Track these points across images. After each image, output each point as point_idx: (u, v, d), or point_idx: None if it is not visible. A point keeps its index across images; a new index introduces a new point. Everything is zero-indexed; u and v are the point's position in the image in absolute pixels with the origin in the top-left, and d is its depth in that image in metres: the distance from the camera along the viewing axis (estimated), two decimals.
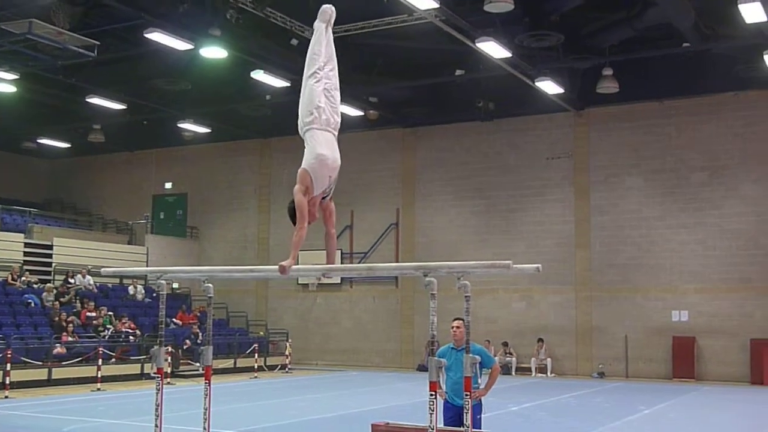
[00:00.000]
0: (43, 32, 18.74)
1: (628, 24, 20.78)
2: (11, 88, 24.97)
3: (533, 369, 26.49)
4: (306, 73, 7.48)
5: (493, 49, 20.62)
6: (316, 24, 7.58)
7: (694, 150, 25.67)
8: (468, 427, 6.98)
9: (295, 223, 6.99)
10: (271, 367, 27.27)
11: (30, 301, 24.53)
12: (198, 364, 23.21)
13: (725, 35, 21.22)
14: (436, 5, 17.54)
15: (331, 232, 7.44)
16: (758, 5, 17.54)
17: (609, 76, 23.48)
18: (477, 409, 8.88)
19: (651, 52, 22.88)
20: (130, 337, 24.96)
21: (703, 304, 25.20)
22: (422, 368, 25.89)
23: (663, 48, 22.53)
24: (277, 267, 6.97)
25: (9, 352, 19.91)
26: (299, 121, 7.39)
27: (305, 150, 7.22)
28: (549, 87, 23.76)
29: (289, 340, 28.43)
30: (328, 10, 7.59)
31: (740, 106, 25.25)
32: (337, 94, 7.50)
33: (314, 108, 7.27)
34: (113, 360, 23.21)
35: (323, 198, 7.22)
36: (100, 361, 21.63)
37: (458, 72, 24.29)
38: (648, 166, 26.25)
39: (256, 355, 26.32)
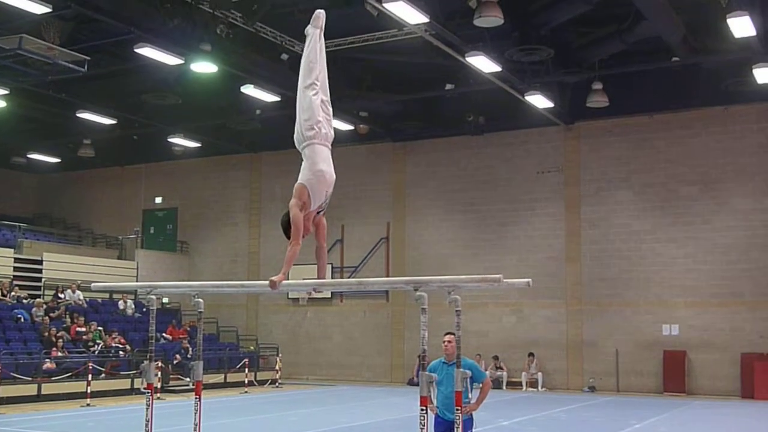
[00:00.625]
0: (33, 47, 18.70)
1: (619, 38, 20.84)
2: (1, 103, 24.96)
3: (524, 383, 26.42)
4: (303, 82, 7.37)
5: (483, 64, 20.68)
6: (310, 29, 7.49)
7: (684, 164, 25.72)
8: None
9: (288, 237, 6.96)
10: (262, 382, 27.16)
11: (20, 316, 24.43)
12: (188, 379, 23.07)
13: (714, 49, 21.31)
14: (426, 20, 17.55)
15: (323, 247, 7.42)
16: (747, 19, 17.66)
17: (599, 90, 23.59)
18: (468, 423, 8.85)
19: (640, 66, 22.97)
20: (120, 353, 24.86)
21: (693, 318, 25.19)
22: (412, 383, 25.85)
23: (652, 62, 22.64)
24: (267, 282, 6.95)
25: None
26: (298, 135, 7.28)
27: (303, 164, 7.15)
28: (539, 101, 23.83)
29: (280, 355, 28.33)
30: (321, 16, 7.49)
31: (730, 120, 25.33)
32: (330, 107, 7.47)
33: (315, 122, 7.19)
34: (103, 375, 23.07)
35: (317, 213, 7.20)
36: (89, 376, 21.48)
37: (448, 86, 24.33)
38: (638, 180, 26.30)
39: (247, 369, 26.20)
